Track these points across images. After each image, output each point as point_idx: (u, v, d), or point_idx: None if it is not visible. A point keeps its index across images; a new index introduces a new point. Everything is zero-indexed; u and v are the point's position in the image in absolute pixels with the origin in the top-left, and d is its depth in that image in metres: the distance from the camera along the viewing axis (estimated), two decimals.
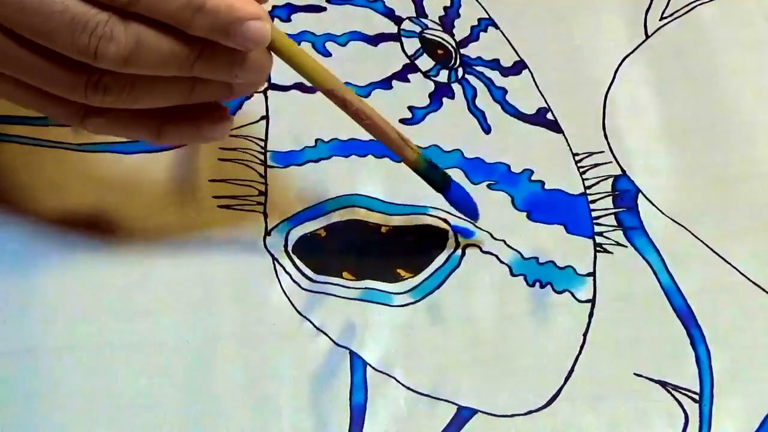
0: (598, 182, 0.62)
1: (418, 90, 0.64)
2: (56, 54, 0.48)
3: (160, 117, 0.51)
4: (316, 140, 0.61)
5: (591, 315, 0.57)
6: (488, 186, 0.61)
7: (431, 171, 0.56)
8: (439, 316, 0.57)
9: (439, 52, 0.66)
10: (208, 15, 0.47)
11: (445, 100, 0.64)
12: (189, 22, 0.47)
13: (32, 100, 0.50)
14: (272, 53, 0.51)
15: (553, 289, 0.58)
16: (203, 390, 0.54)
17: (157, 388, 0.54)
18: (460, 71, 0.65)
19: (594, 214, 0.61)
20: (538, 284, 0.58)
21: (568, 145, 0.63)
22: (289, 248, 0.58)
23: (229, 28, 0.48)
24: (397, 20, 0.67)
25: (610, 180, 0.62)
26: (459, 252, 0.59)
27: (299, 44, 0.64)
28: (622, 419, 0.54)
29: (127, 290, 0.56)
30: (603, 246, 0.60)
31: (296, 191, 0.60)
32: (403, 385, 0.55)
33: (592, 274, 0.59)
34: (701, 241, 0.60)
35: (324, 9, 0.67)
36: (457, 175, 0.61)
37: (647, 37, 0.68)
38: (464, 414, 0.54)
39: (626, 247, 0.60)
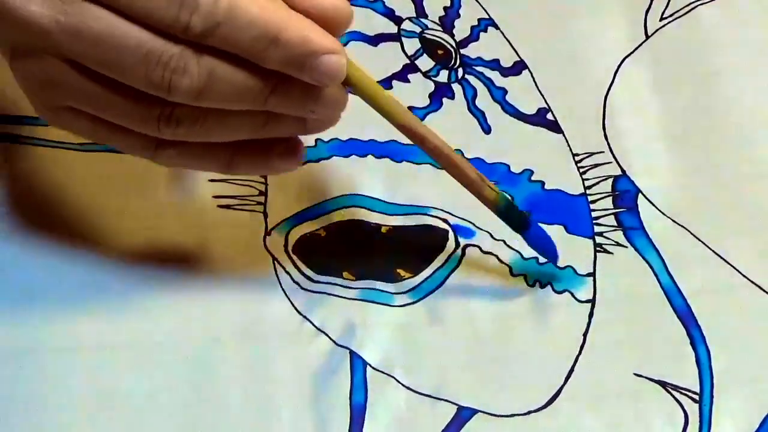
0: (598, 182, 0.62)
1: (418, 90, 0.64)
2: (129, 88, 0.48)
3: (231, 148, 0.51)
4: (316, 140, 0.61)
5: (591, 315, 0.57)
6: None
7: (510, 211, 0.56)
8: (439, 317, 0.57)
9: (439, 52, 0.66)
10: (283, 48, 0.47)
11: (445, 100, 0.64)
12: (263, 54, 0.47)
13: (105, 134, 0.50)
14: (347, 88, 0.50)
15: (553, 290, 0.58)
16: (203, 390, 0.54)
17: (157, 388, 0.54)
18: (460, 71, 0.65)
19: (594, 214, 0.61)
20: (538, 284, 0.58)
21: (568, 145, 0.63)
22: (289, 248, 0.58)
23: (304, 61, 0.47)
24: (397, 20, 0.67)
25: (610, 180, 0.62)
26: (459, 252, 0.59)
27: None
28: (622, 419, 0.55)
29: (127, 290, 0.56)
30: (603, 246, 0.60)
31: (296, 191, 0.60)
32: (403, 385, 0.55)
33: (592, 274, 0.59)
34: (701, 241, 0.60)
35: None
36: None
37: (647, 37, 0.68)
38: (464, 414, 0.54)
39: (626, 247, 0.60)
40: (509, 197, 0.56)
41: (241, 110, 0.49)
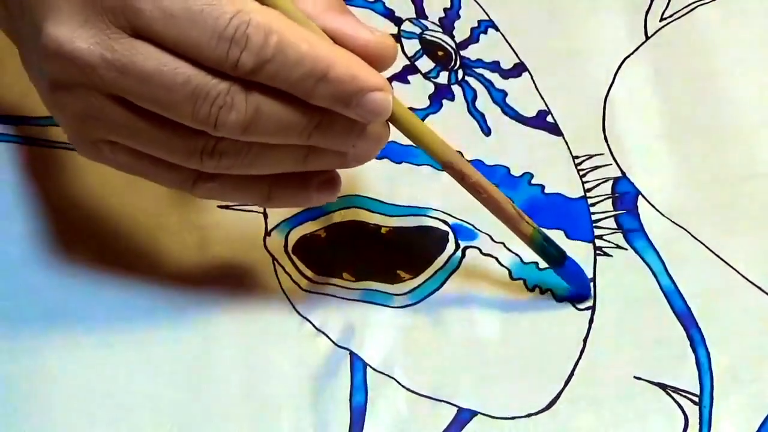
0: (598, 185, 0.62)
1: (418, 91, 0.64)
2: (173, 122, 0.48)
3: (269, 181, 0.51)
4: None
5: (591, 318, 0.57)
6: None
7: (547, 247, 0.56)
8: (439, 318, 0.57)
9: (439, 53, 0.66)
10: (331, 85, 0.47)
11: (444, 101, 0.64)
12: (311, 91, 0.47)
13: (146, 168, 0.50)
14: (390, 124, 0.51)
15: (553, 294, 0.58)
16: (203, 390, 0.54)
17: (157, 388, 0.54)
18: (460, 73, 0.65)
19: (594, 217, 0.61)
20: (538, 290, 0.58)
21: (568, 147, 0.63)
22: (289, 249, 0.58)
23: (351, 98, 0.48)
24: (397, 21, 0.67)
25: (610, 182, 0.62)
26: (459, 254, 0.59)
27: None
28: (622, 421, 0.54)
29: (127, 290, 0.56)
30: (603, 249, 0.60)
31: None
32: (403, 386, 0.55)
33: (592, 279, 0.59)
34: (701, 242, 0.60)
35: None
36: None
37: (647, 37, 0.68)
38: (464, 416, 0.54)
39: (626, 249, 0.60)
40: (544, 232, 0.55)
41: (284, 144, 0.49)
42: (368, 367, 0.55)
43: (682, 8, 0.69)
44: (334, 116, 0.48)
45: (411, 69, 0.65)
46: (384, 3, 0.67)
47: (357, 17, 0.50)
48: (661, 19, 0.69)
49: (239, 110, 0.47)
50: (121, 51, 0.46)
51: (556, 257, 0.56)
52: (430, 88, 0.64)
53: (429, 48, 0.66)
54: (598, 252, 0.59)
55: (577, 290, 0.58)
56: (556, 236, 0.59)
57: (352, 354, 0.56)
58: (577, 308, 0.58)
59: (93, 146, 0.50)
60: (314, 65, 0.47)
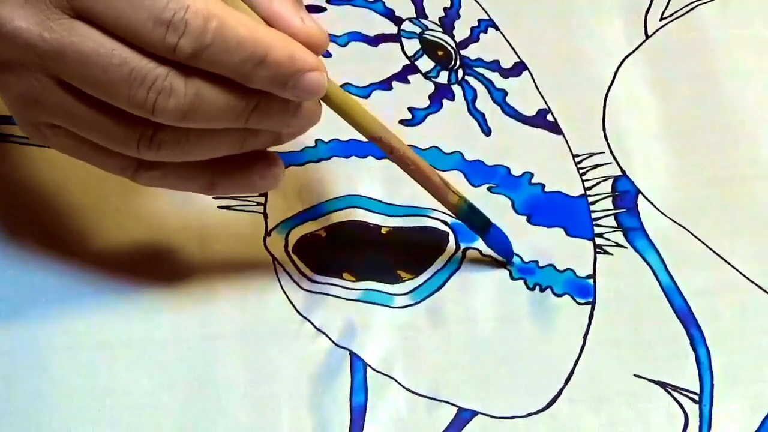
0: (598, 183, 0.62)
1: (418, 91, 0.64)
2: (112, 108, 0.47)
3: (212, 169, 0.51)
4: (316, 140, 0.61)
5: (591, 317, 0.57)
6: (488, 189, 0.61)
7: (472, 215, 0.57)
8: (439, 318, 0.57)
9: (439, 53, 0.66)
10: (270, 68, 0.47)
11: (445, 101, 0.64)
12: (250, 75, 0.47)
13: (86, 153, 0.50)
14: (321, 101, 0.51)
15: (553, 292, 0.58)
16: (203, 390, 0.54)
17: (157, 388, 0.54)
18: (460, 72, 0.65)
19: (594, 215, 0.61)
20: (538, 288, 0.58)
21: (568, 146, 0.63)
22: (289, 248, 0.58)
23: (288, 80, 0.48)
24: (397, 21, 0.67)
25: (610, 181, 0.62)
26: (459, 254, 0.59)
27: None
28: (622, 420, 0.55)
29: (127, 290, 0.56)
30: (603, 247, 0.60)
31: (296, 191, 0.60)
32: (403, 386, 0.55)
33: (592, 276, 0.59)
34: (701, 241, 0.60)
35: (324, 9, 0.67)
36: (457, 177, 0.61)
37: (647, 37, 0.68)
38: (464, 415, 0.54)
39: (626, 248, 0.60)
40: (469, 202, 0.56)
41: (222, 128, 0.49)
42: (368, 367, 0.55)
43: (682, 8, 0.69)
44: (271, 98, 0.49)
45: (411, 69, 0.65)
46: (384, 3, 0.67)
47: (296, 3, 0.50)
48: (661, 19, 0.69)
49: (178, 96, 0.47)
50: (60, 31, 0.46)
51: (481, 225, 0.57)
52: (431, 87, 0.64)
53: (429, 48, 0.66)
54: (598, 250, 0.60)
55: (501, 255, 0.59)
56: (557, 234, 0.60)
57: (352, 354, 0.56)
58: (577, 302, 0.58)
59: (36, 129, 0.50)
60: (253, 49, 0.47)
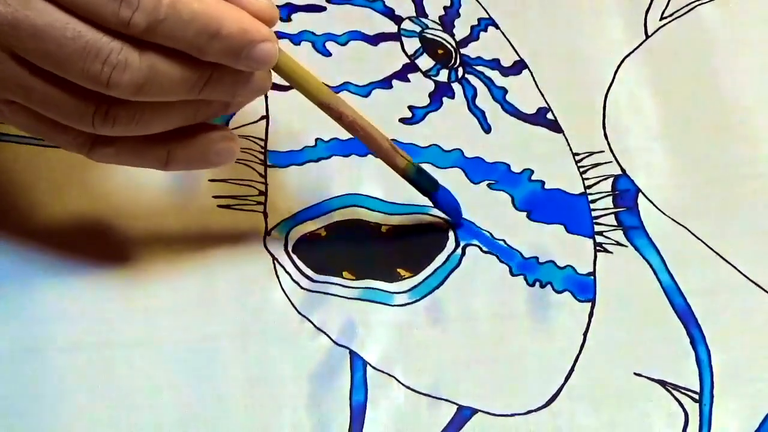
0: (598, 182, 0.62)
1: (418, 89, 0.64)
2: (67, 83, 0.48)
3: (167, 145, 0.51)
4: (316, 140, 0.61)
5: (591, 315, 0.57)
6: (488, 186, 0.61)
7: (420, 177, 0.57)
8: (439, 316, 0.57)
9: (439, 51, 0.66)
10: (223, 40, 0.48)
11: (445, 99, 0.64)
12: (204, 48, 0.48)
13: (41, 129, 0.50)
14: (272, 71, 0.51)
15: (553, 289, 0.58)
16: (203, 390, 0.54)
17: (156, 388, 0.54)
18: (460, 71, 0.65)
19: (594, 213, 0.61)
20: (538, 284, 0.58)
21: (568, 144, 0.63)
22: (289, 248, 0.58)
23: (241, 51, 0.48)
24: (397, 20, 0.67)
25: (610, 180, 0.62)
26: (459, 252, 0.59)
27: (299, 44, 0.65)
28: (622, 419, 0.55)
29: (127, 290, 0.56)
30: (603, 246, 0.60)
31: (296, 191, 0.60)
32: (403, 384, 0.55)
33: (592, 273, 0.59)
34: (701, 240, 0.60)
35: (324, 9, 0.67)
36: (457, 174, 0.61)
37: (647, 37, 0.68)
38: (464, 413, 0.54)
39: (626, 246, 0.60)
40: (418, 165, 0.57)
41: (175, 101, 0.49)
42: (368, 365, 0.55)
43: (682, 7, 0.69)
44: (224, 69, 0.49)
45: (411, 67, 0.65)
46: (384, 2, 0.67)
47: None
48: (661, 18, 0.69)
49: (133, 70, 0.47)
50: (15, 5, 0.46)
51: (428, 188, 0.58)
52: (431, 86, 0.64)
53: (429, 46, 0.66)
54: (598, 248, 0.60)
55: (451, 217, 0.59)
56: (557, 231, 0.60)
57: (352, 353, 0.56)
58: (577, 299, 0.58)
59: None
60: (207, 23, 0.47)
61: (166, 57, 0.48)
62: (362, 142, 0.55)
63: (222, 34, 0.48)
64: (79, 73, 0.47)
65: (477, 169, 0.61)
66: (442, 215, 0.59)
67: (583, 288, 0.58)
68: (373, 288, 0.57)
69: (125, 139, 0.50)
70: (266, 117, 0.62)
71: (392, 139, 0.61)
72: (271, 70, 0.51)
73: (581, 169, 0.62)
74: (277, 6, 0.65)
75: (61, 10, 0.46)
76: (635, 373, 0.56)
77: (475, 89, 0.65)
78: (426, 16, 0.67)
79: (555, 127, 0.64)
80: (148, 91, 0.48)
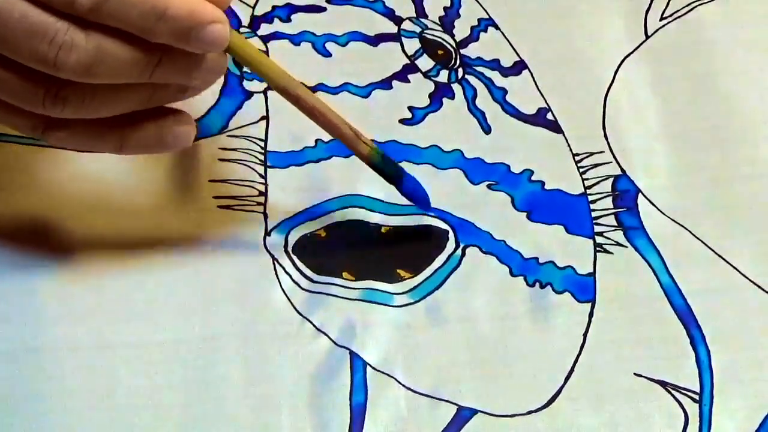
0: (598, 182, 0.62)
1: (418, 90, 0.64)
2: (16, 65, 0.48)
3: (121, 127, 0.51)
4: (316, 140, 0.61)
5: (591, 315, 0.57)
6: (488, 186, 0.61)
7: (384, 164, 0.57)
8: (439, 317, 0.57)
9: (439, 52, 0.66)
10: (170, 21, 0.47)
11: (445, 100, 0.64)
12: (151, 29, 0.47)
13: None
14: (227, 53, 0.51)
15: (553, 289, 0.58)
16: (203, 390, 0.54)
17: (157, 388, 0.54)
18: (460, 71, 0.65)
19: (594, 214, 0.61)
20: (538, 285, 0.58)
21: (568, 145, 0.63)
22: (289, 248, 0.58)
23: (190, 33, 0.48)
24: (397, 20, 0.67)
25: (610, 180, 0.62)
26: (459, 252, 0.59)
27: (299, 44, 0.65)
28: (622, 419, 0.55)
29: (127, 290, 0.56)
30: (603, 246, 0.60)
31: (296, 191, 0.60)
32: (403, 385, 0.55)
33: (592, 274, 0.59)
34: (701, 241, 0.60)
35: (324, 9, 0.67)
36: (457, 175, 0.61)
37: (647, 37, 0.68)
38: (464, 414, 0.54)
39: (626, 247, 0.60)
40: (382, 151, 0.57)
41: (127, 84, 0.49)
42: (368, 366, 0.55)
43: (682, 7, 0.69)
44: (174, 52, 0.49)
45: (411, 68, 0.65)
46: (384, 2, 0.67)
47: None
48: (661, 19, 0.69)
49: (79, 50, 0.47)
50: None
51: (393, 175, 0.57)
52: (431, 86, 0.64)
53: (429, 47, 0.66)
54: (598, 249, 0.60)
55: (417, 204, 0.59)
56: (557, 232, 0.60)
57: (352, 353, 0.56)
58: (577, 300, 0.58)
59: None
60: (153, 3, 0.47)
61: (113, 38, 0.47)
62: (322, 128, 0.55)
63: (168, 15, 0.47)
64: (27, 54, 0.47)
65: (477, 170, 0.61)
66: (442, 216, 0.59)
67: (583, 288, 0.58)
68: (373, 289, 0.57)
69: (78, 121, 0.50)
70: (266, 117, 0.62)
71: (392, 140, 0.61)
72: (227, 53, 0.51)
73: (581, 170, 0.62)
74: (277, 6, 0.66)
75: None
76: (635, 374, 0.56)
77: (475, 90, 0.65)
78: (426, 16, 0.67)
79: (555, 127, 0.64)
80: (96, 72, 0.47)
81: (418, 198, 0.59)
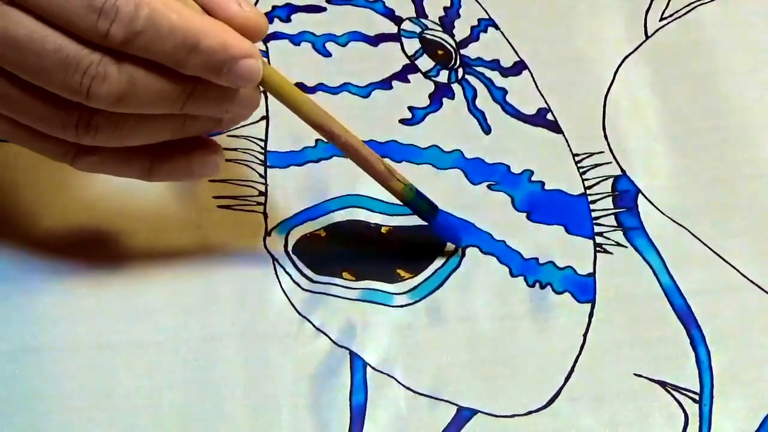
0: (598, 182, 0.62)
1: (418, 90, 0.64)
2: (48, 93, 0.48)
3: (150, 155, 0.52)
4: (316, 140, 0.61)
5: (591, 315, 0.57)
6: (488, 187, 0.61)
7: (419, 201, 0.57)
8: (439, 317, 0.57)
9: (439, 52, 0.66)
10: (202, 54, 0.48)
11: (445, 100, 0.64)
12: (183, 62, 0.48)
13: (25, 139, 0.51)
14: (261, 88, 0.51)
15: (553, 290, 0.58)
16: (203, 390, 0.54)
17: (157, 388, 0.54)
18: (460, 72, 0.65)
19: (594, 214, 0.61)
20: (538, 285, 0.58)
21: (568, 145, 0.63)
22: (289, 248, 0.58)
23: (222, 67, 0.48)
24: (397, 20, 0.67)
25: (610, 180, 0.62)
26: (459, 252, 0.59)
27: (299, 44, 0.65)
28: (622, 419, 0.55)
29: (127, 290, 0.56)
30: (603, 246, 0.60)
31: (296, 191, 0.60)
32: (403, 385, 0.55)
33: (592, 274, 0.59)
34: (701, 241, 0.60)
35: (324, 9, 0.67)
36: (457, 175, 0.61)
37: (647, 37, 0.68)
38: (464, 414, 0.54)
39: (626, 247, 0.60)
40: (415, 188, 0.56)
41: (159, 114, 0.49)
42: (368, 366, 0.55)
43: (682, 8, 0.69)
44: (207, 84, 0.49)
45: (411, 68, 0.65)
46: (384, 2, 0.67)
47: None
48: (661, 19, 0.69)
49: (112, 81, 0.47)
50: None
51: (427, 211, 0.57)
52: (431, 86, 0.64)
53: (429, 47, 0.66)
54: (598, 249, 0.60)
55: (450, 241, 0.59)
56: (557, 232, 0.60)
57: (352, 353, 0.56)
58: (577, 300, 0.58)
59: None
60: (185, 36, 0.47)
61: (146, 69, 0.48)
62: (357, 164, 0.55)
63: (201, 48, 0.48)
64: (60, 84, 0.47)
65: (477, 170, 0.61)
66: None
67: (583, 289, 0.58)
68: (373, 289, 0.57)
69: (108, 149, 0.50)
70: (266, 117, 0.62)
71: (392, 140, 0.61)
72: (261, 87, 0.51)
73: (581, 170, 0.62)
74: (277, 6, 0.66)
75: (41, 22, 0.47)
76: (635, 374, 0.56)
77: (475, 90, 0.65)
78: (426, 16, 0.67)
79: (555, 127, 0.64)
80: (128, 102, 0.48)
81: (451, 236, 0.58)
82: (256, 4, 0.66)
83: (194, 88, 0.49)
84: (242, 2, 0.50)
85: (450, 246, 0.59)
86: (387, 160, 0.56)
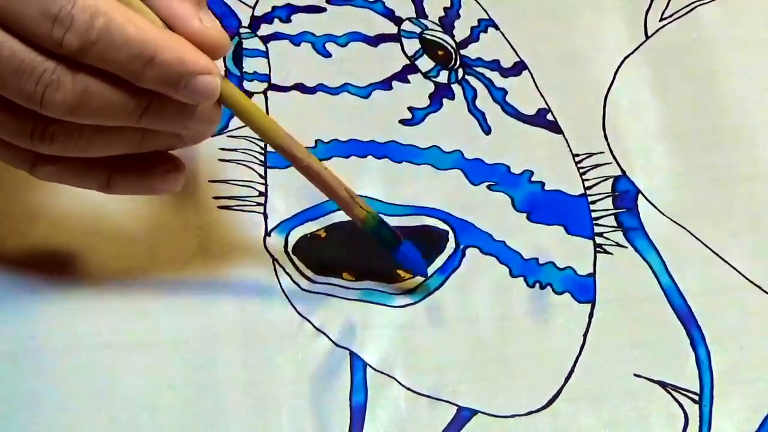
0: (598, 183, 0.62)
1: (418, 91, 0.64)
2: (5, 100, 0.48)
3: (109, 168, 0.51)
4: (316, 141, 0.61)
5: (591, 316, 0.57)
6: (488, 187, 0.61)
7: (381, 230, 0.56)
8: (439, 317, 0.57)
9: (439, 52, 0.66)
10: (158, 68, 0.47)
11: (445, 100, 0.64)
12: (138, 74, 0.47)
13: None
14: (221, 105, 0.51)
15: (553, 290, 0.58)
16: (203, 390, 0.54)
17: (157, 388, 0.54)
18: (460, 72, 0.65)
19: (594, 214, 0.61)
20: (538, 285, 0.58)
21: (568, 145, 0.63)
22: (289, 249, 0.58)
23: (178, 81, 0.48)
24: (397, 21, 0.67)
25: (610, 181, 0.62)
26: (459, 253, 0.59)
27: (299, 45, 0.65)
28: (622, 420, 0.55)
29: (127, 290, 0.56)
30: (603, 247, 0.60)
31: (296, 191, 0.60)
32: (403, 385, 0.55)
33: (592, 274, 0.59)
34: (701, 241, 0.60)
35: (324, 9, 0.67)
36: (457, 176, 0.61)
37: (647, 37, 0.68)
38: (464, 414, 0.54)
39: (626, 247, 0.60)
40: (379, 217, 0.56)
41: (117, 126, 0.49)
42: (368, 366, 0.55)
43: (682, 8, 0.69)
44: (165, 99, 0.49)
45: (411, 68, 0.65)
46: (384, 2, 0.67)
47: (196, 4, 0.50)
48: (661, 19, 0.69)
49: (66, 90, 0.47)
50: None
51: (390, 241, 0.56)
52: (431, 87, 0.64)
53: (429, 47, 0.66)
54: (598, 249, 0.60)
55: (414, 271, 0.58)
56: (557, 232, 0.60)
57: (352, 354, 0.56)
58: (577, 300, 0.58)
59: None
60: (141, 48, 0.47)
61: (101, 80, 0.47)
62: (317, 188, 0.54)
63: (156, 62, 0.47)
64: (15, 91, 0.47)
65: (477, 171, 0.61)
66: (442, 216, 0.59)
67: (583, 289, 0.58)
68: (373, 289, 0.57)
69: (67, 159, 0.50)
70: None
71: (392, 141, 0.61)
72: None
73: (581, 171, 0.62)
74: (277, 6, 0.66)
75: None
76: (635, 374, 0.56)
77: (475, 90, 0.64)
78: (426, 17, 0.67)
79: (555, 128, 0.64)
80: (82, 112, 0.48)
81: (415, 266, 0.57)
82: (256, 3, 0.66)
83: (150, 101, 0.49)
84: (204, 18, 0.49)
85: (450, 245, 0.59)
86: (349, 186, 0.55)
